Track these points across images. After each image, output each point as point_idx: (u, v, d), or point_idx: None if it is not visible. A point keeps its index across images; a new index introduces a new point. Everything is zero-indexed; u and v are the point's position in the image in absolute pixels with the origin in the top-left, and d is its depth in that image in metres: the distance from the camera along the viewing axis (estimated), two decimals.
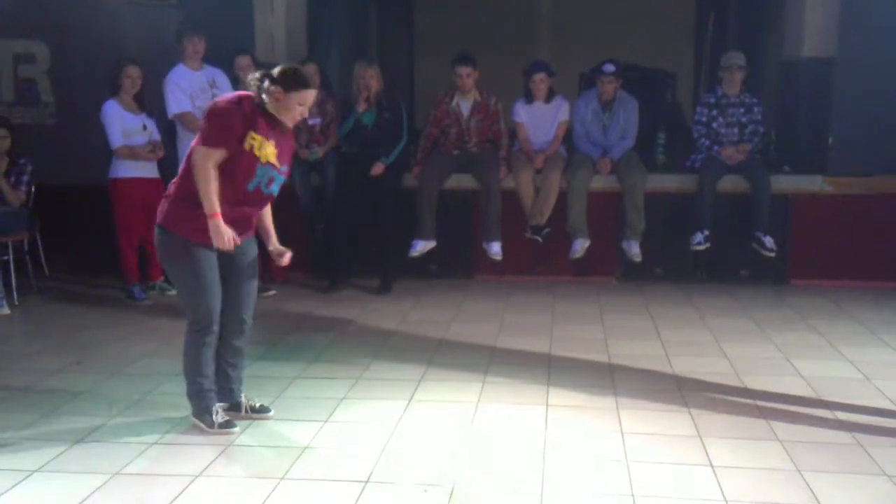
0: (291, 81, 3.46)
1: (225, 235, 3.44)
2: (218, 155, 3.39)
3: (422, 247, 6.20)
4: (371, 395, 4.12)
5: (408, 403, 3.99)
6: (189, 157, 3.47)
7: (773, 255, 6.07)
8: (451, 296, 6.07)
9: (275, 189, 3.60)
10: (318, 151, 6.26)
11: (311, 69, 6.30)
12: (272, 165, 3.51)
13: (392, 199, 6.17)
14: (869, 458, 3.38)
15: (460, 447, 3.51)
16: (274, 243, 3.73)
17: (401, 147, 6.22)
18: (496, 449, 3.51)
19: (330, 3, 8.13)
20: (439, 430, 3.70)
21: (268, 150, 3.48)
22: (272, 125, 3.50)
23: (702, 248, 6.17)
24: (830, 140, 6.33)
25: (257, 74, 3.51)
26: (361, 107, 6.12)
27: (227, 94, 3.86)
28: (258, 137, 3.45)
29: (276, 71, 3.49)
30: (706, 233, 6.14)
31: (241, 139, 3.42)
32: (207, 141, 3.41)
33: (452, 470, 3.28)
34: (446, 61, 6.44)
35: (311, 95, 3.53)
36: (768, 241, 6.06)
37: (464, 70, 6.30)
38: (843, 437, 3.60)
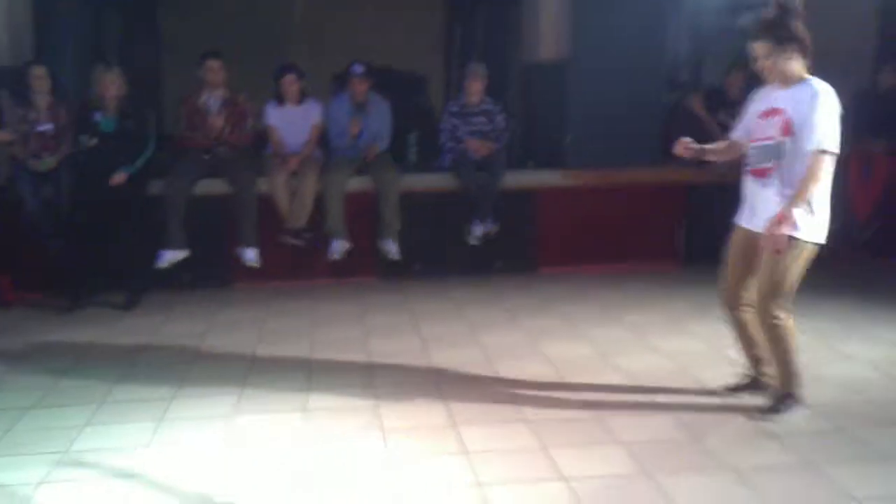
0: None
1: None
2: None
3: (170, 257, 5.92)
4: (117, 419, 3.87)
5: (158, 424, 3.79)
6: None
7: (478, 243, 6.38)
8: (207, 306, 5.85)
9: None
10: (51, 160, 5.80)
11: (38, 72, 5.88)
12: None
13: (137, 208, 5.84)
14: (606, 430, 3.63)
15: (214, 465, 3.38)
16: None
17: (146, 156, 5.90)
18: (253, 460, 3.42)
19: (64, 3, 7.57)
20: (192, 449, 3.55)
21: None
22: None
23: (480, 240, 6.40)
24: (567, 137, 6.75)
25: None
26: (102, 113, 5.77)
27: None
28: None
29: None
30: (485, 225, 6.38)
31: None
32: None
33: (207, 489, 3.15)
34: (196, 66, 6.23)
35: None
36: (479, 229, 6.36)
37: (214, 64, 6.14)
38: (583, 412, 3.84)
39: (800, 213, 3.49)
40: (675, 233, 6.79)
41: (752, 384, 3.96)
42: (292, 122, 6.40)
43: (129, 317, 5.64)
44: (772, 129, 3.56)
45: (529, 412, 3.84)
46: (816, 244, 3.58)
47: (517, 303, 5.83)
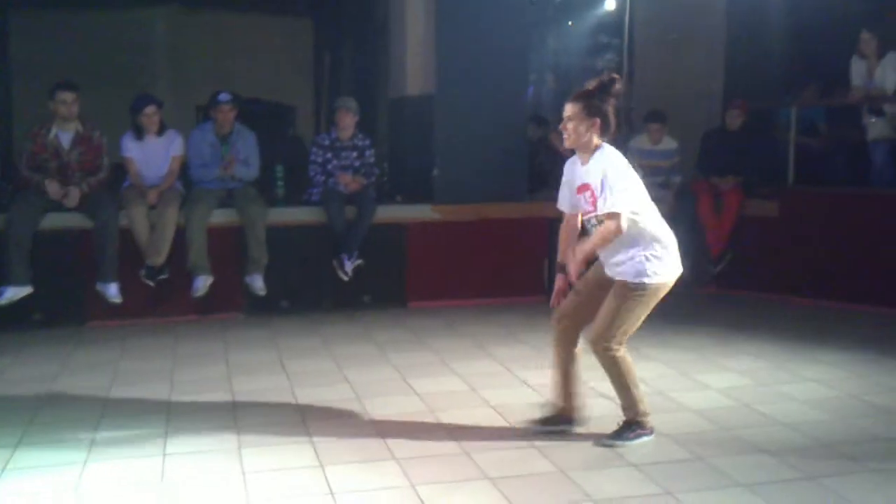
0: None
1: None
2: None
3: (11, 294, 5.57)
4: None
5: (0, 474, 3.53)
6: None
7: (347, 278, 6.35)
8: (59, 346, 5.53)
9: None
10: None
11: None
12: None
13: None
14: (473, 464, 3.63)
15: None
16: None
17: None
18: None
19: None
20: (37, 501, 3.31)
21: None
22: None
23: (348, 275, 6.31)
24: (435, 171, 6.81)
25: None
26: None
27: None
28: None
29: None
30: (353, 259, 6.31)
31: None
32: None
33: None
34: (48, 96, 5.91)
35: None
36: (348, 264, 6.33)
37: (67, 96, 5.85)
38: (451, 447, 3.83)
39: (643, 261, 3.71)
40: (541, 266, 6.94)
41: (560, 418, 4.02)
42: (152, 155, 6.20)
43: None
44: (587, 204, 3.80)
45: (398, 450, 3.79)
46: (663, 284, 3.77)
47: (386, 338, 5.80)
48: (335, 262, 6.35)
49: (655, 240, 3.76)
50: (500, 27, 6.79)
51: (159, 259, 5.97)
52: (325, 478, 3.50)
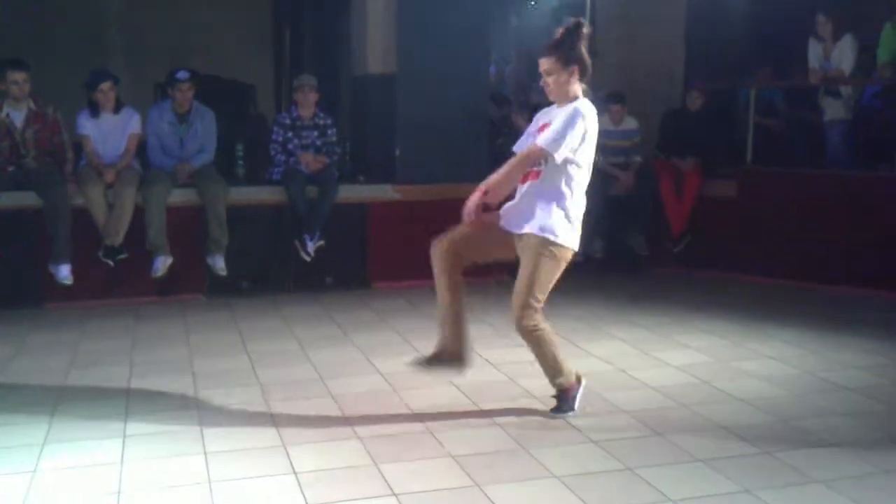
0: None
1: None
2: None
3: None
4: None
5: None
6: None
7: (308, 258, 6.33)
8: (15, 328, 5.42)
9: None
10: None
11: None
12: None
13: None
14: (437, 442, 3.65)
15: (18, 500, 3.12)
16: None
17: None
18: (64, 490, 3.19)
19: None
20: None
21: None
22: None
23: (310, 256, 6.28)
24: (397, 151, 6.78)
25: None
26: None
27: None
28: None
29: None
30: (315, 240, 6.26)
31: None
32: None
33: None
34: None
35: None
36: (310, 245, 6.30)
37: (18, 76, 5.71)
38: (415, 426, 3.84)
39: (559, 219, 3.74)
40: None
41: (444, 354, 4.07)
42: (109, 132, 6.08)
43: None
44: (533, 137, 3.79)
45: (361, 429, 3.79)
46: (566, 250, 3.80)
47: (348, 318, 5.78)
48: (297, 243, 6.30)
49: (575, 207, 3.79)
50: (463, 5, 6.75)
51: (118, 239, 5.88)
52: (288, 457, 3.49)
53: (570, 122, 3.67)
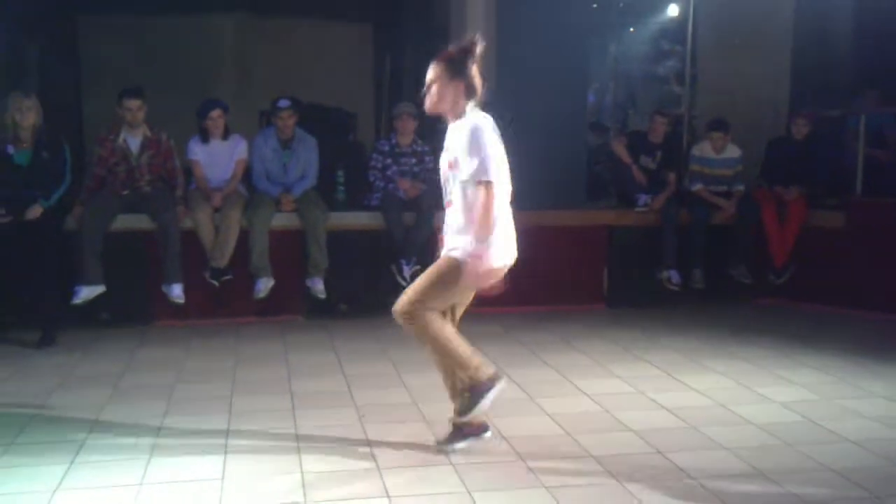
0: None
1: None
2: None
3: (86, 293, 5.73)
4: (26, 461, 3.71)
5: (68, 467, 3.64)
6: None
7: (405, 283, 6.32)
8: (125, 345, 5.67)
9: None
10: None
11: None
12: None
13: (52, 243, 5.65)
14: (529, 472, 3.62)
15: None
16: None
17: (62, 189, 5.75)
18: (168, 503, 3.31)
19: None
20: (103, 494, 3.40)
21: None
22: None
23: (406, 281, 6.35)
24: None
25: None
26: (14, 146, 5.60)
27: None
28: None
29: None
30: (411, 265, 6.34)
31: None
32: None
33: None
34: (117, 99, 6.08)
35: None
36: (406, 269, 6.30)
37: (133, 104, 6.00)
38: (508, 455, 3.83)
39: (464, 239, 3.64)
40: (600, 274, 6.90)
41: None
42: (217, 158, 6.32)
43: (43, 355, 5.44)
44: (444, 164, 3.77)
45: (454, 455, 3.80)
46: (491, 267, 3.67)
47: None
48: (394, 268, 6.39)
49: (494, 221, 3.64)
50: (561, 33, 6.75)
51: (223, 261, 6.09)
52: (383, 481, 3.52)
53: (476, 145, 3.57)
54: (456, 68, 3.66)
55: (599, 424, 4.24)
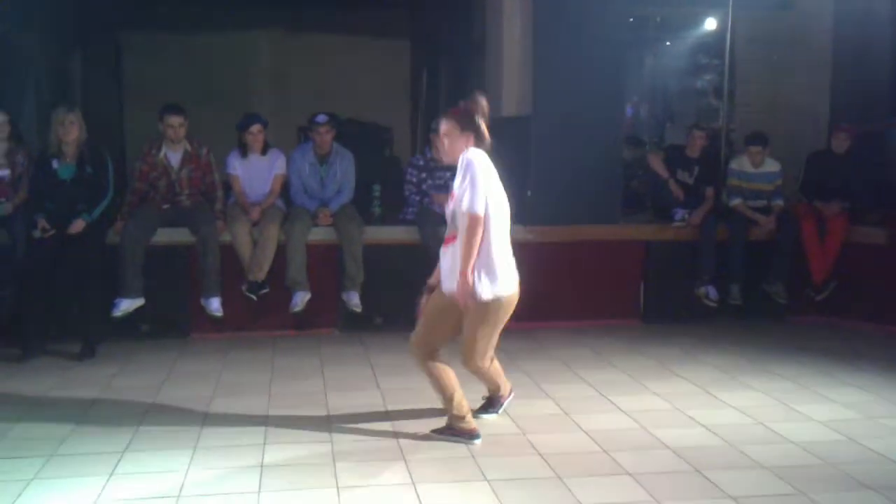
0: None
1: None
2: None
3: (126, 305, 5.82)
4: (66, 472, 3.77)
5: (108, 479, 3.69)
6: None
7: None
8: (164, 357, 5.74)
9: None
10: (7, 206, 5.72)
11: None
12: None
13: (95, 256, 5.75)
14: (567, 490, 3.60)
15: None
16: None
17: (105, 203, 5.85)
18: None
19: (24, 47, 7.54)
20: None
21: None
22: None
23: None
24: (528, 192, 6.80)
25: None
26: (59, 160, 5.71)
27: None
28: None
29: None
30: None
31: None
32: None
33: None
34: (158, 114, 6.18)
35: None
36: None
37: (174, 120, 6.09)
38: (544, 471, 3.81)
39: (480, 277, 3.93)
40: (637, 289, 6.85)
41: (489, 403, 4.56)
42: (256, 173, 6.39)
43: (83, 367, 5.53)
44: (450, 200, 4.06)
45: (489, 471, 3.80)
46: (500, 298, 4.00)
47: None
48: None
49: (495, 254, 3.97)
50: (598, 47, 6.75)
51: (261, 274, 6.14)
52: (417, 496, 3.53)
53: (470, 176, 3.87)
54: (465, 122, 4.01)
55: (636, 441, 4.21)
